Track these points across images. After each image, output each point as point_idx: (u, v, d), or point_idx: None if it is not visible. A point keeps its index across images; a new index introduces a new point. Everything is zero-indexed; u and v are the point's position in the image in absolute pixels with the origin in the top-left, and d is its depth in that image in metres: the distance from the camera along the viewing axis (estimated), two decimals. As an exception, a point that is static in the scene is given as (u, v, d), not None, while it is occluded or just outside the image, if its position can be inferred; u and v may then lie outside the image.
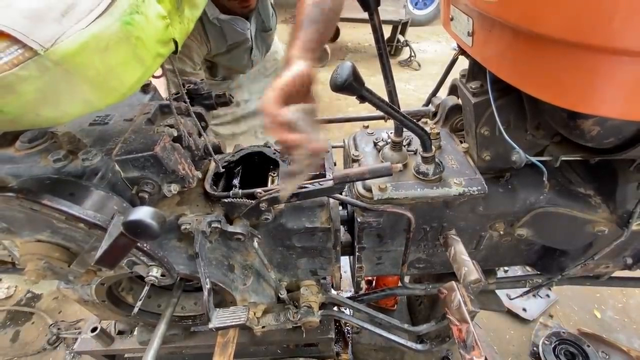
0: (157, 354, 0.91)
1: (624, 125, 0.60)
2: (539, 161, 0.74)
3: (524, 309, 1.88)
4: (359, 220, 0.92)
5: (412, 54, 4.80)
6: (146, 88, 1.06)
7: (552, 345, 1.67)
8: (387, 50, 0.73)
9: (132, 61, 0.54)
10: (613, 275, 1.17)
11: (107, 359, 1.40)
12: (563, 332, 1.71)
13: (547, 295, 1.95)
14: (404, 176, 0.90)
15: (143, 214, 0.57)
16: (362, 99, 0.61)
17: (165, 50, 0.62)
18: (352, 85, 0.57)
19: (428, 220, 0.95)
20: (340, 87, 0.57)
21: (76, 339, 1.48)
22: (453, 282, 0.87)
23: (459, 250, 0.89)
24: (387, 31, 5.04)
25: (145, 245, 0.75)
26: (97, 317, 1.30)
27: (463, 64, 0.96)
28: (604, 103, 0.52)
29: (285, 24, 5.42)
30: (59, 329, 1.96)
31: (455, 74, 1.01)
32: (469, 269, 0.84)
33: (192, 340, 1.33)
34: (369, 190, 0.88)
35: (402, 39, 4.81)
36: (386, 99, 0.81)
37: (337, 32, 5.40)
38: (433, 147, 0.82)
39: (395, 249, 1.04)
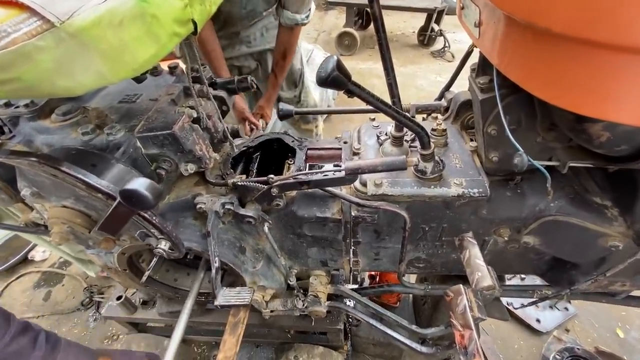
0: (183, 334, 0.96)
1: (638, 132, 0.53)
2: (544, 166, 0.68)
3: (538, 320, 1.79)
4: (353, 214, 0.91)
5: (446, 44, 4.58)
6: (173, 71, 1.09)
7: (564, 361, 1.59)
8: (387, 40, 0.70)
9: (146, 38, 0.56)
10: (634, 294, 1.08)
11: (132, 326, 1.51)
12: (578, 349, 1.61)
13: (566, 308, 1.84)
14: (402, 173, 0.87)
15: (139, 184, 0.60)
16: (350, 93, 0.59)
17: (183, 30, 0.63)
18: (336, 80, 0.55)
19: (427, 220, 0.92)
20: (324, 81, 0.55)
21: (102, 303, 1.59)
22: (461, 285, 0.84)
23: (474, 254, 0.85)
24: (421, 20, 4.83)
25: (154, 218, 0.79)
26: (122, 287, 1.40)
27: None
28: (611, 107, 0.47)
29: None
30: (92, 292, 2.13)
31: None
32: (483, 275, 0.79)
33: (207, 317, 1.40)
34: (365, 185, 0.86)
35: (436, 28, 4.59)
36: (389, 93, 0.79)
37: (367, 20, 5.25)
38: (432, 144, 0.79)
39: (392, 246, 1.02)
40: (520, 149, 0.67)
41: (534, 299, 1.09)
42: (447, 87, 1.08)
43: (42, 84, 0.51)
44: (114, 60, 0.53)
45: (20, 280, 2.26)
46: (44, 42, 0.47)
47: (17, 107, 0.82)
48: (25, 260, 2.34)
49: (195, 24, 0.64)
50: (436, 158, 0.83)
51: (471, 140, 0.96)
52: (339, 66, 0.56)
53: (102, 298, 2.10)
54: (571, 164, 0.68)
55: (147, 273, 0.96)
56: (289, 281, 1.09)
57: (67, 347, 0.74)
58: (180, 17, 0.59)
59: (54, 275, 2.30)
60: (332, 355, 1.40)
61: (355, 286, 1.38)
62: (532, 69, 0.54)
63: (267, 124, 1.85)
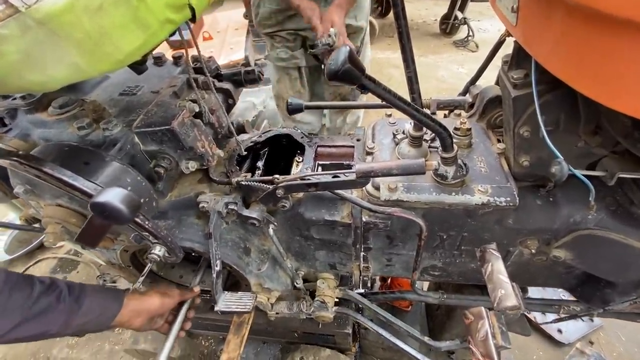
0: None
1: None
2: (588, 176, 0.59)
3: (559, 331, 1.69)
4: (364, 219, 0.84)
5: (470, 33, 4.35)
6: (178, 61, 1.05)
7: (587, 376, 1.49)
8: (408, 29, 0.61)
9: (131, 25, 0.50)
10: (676, 314, 0.97)
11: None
12: (603, 363, 1.50)
13: (590, 319, 1.73)
14: (419, 176, 0.79)
15: (112, 196, 0.54)
16: (363, 88, 0.52)
17: (178, 17, 0.56)
18: (348, 73, 0.48)
19: (445, 228, 0.84)
20: (334, 75, 0.48)
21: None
22: (482, 308, 0.76)
23: (497, 269, 0.77)
24: (443, 7, 4.60)
25: (147, 222, 0.74)
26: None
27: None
28: (686, 112, 0.38)
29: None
30: (104, 280, 2.16)
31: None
32: (506, 293, 0.71)
33: (214, 313, 1.36)
34: (378, 188, 0.79)
35: (460, 15, 4.36)
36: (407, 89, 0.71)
37: (387, 7, 5.06)
38: (454, 146, 0.70)
39: (406, 253, 0.95)
40: (560, 155, 0.58)
41: (560, 316, 1.00)
42: (473, 81, 0.99)
43: (9, 77, 0.45)
44: (92, 51, 0.47)
45: (37, 265, 2.32)
46: (7, 30, 0.41)
47: (14, 98, 0.78)
48: (42, 246, 2.40)
49: (193, 9, 0.57)
50: (459, 161, 0.74)
51: (498, 141, 0.87)
52: (352, 58, 0.48)
53: (114, 286, 2.13)
54: (620, 175, 0.58)
55: (140, 279, 0.91)
56: (295, 283, 1.04)
57: (93, 294, 0.73)
58: (173, 2, 0.53)
59: (69, 262, 2.35)
60: (339, 357, 1.36)
61: (365, 290, 1.32)
62: (581, 63, 0.45)
63: (334, 34, 1.46)
